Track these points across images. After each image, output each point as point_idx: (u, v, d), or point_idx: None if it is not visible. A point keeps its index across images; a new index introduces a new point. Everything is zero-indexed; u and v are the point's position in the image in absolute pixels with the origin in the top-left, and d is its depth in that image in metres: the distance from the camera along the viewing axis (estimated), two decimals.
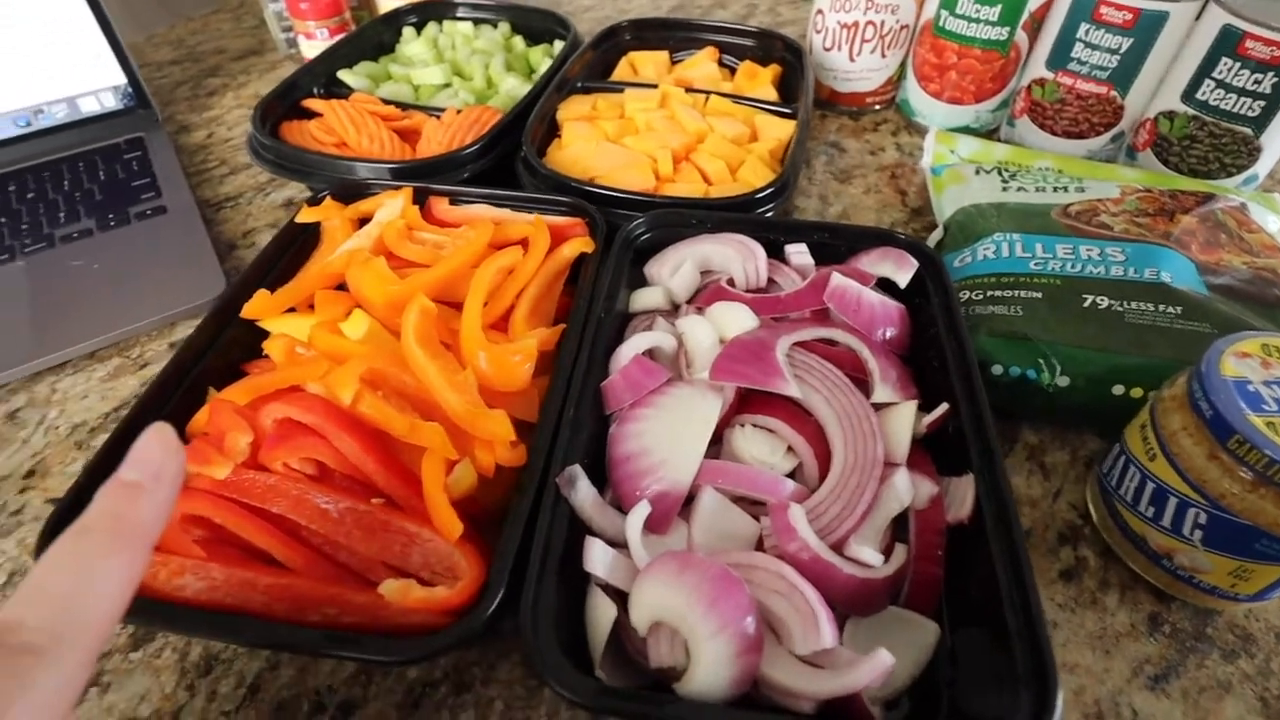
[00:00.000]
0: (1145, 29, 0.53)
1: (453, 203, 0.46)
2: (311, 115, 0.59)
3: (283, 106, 0.58)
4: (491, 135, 0.52)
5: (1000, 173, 0.54)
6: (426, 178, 0.50)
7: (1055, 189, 0.51)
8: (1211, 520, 0.32)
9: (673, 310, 0.43)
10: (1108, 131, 0.60)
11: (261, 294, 0.38)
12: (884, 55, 0.66)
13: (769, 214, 0.48)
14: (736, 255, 0.42)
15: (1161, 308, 0.41)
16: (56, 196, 0.57)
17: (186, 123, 0.69)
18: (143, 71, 0.74)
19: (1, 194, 0.57)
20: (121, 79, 0.64)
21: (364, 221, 0.46)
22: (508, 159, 0.53)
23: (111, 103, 0.64)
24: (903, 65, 0.68)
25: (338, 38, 0.73)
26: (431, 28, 0.70)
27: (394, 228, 0.42)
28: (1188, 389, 0.33)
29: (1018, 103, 0.63)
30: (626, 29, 0.68)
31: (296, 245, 0.43)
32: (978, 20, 0.59)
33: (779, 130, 0.57)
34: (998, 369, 0.41)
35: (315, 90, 0.61)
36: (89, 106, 0.64)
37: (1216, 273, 0.43)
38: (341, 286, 0.40)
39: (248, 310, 0.37)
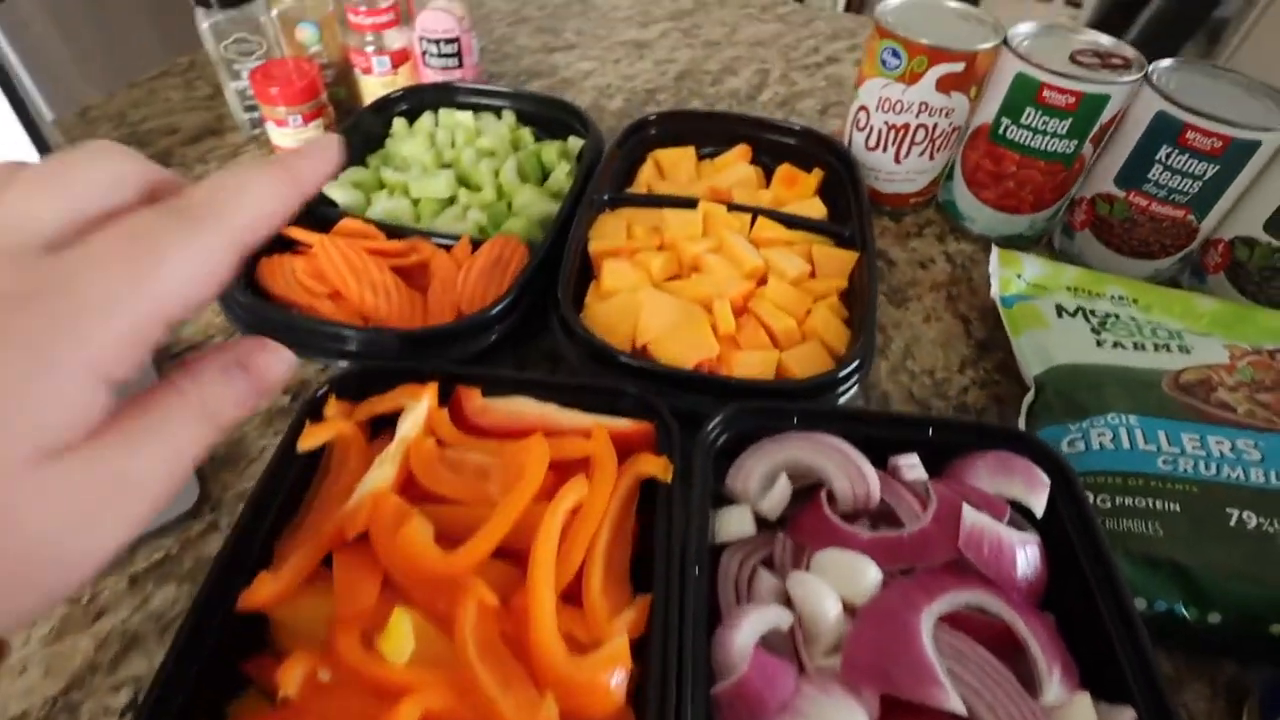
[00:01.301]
0: (1234, 156, 0.49)
1: (486, 392, 0.38)
2: (288, 244, 0.50)
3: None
4: (521, 284, 0.44)
5: (1085, 315, 0.49)
6: (448, 346, 0.42)
7: (1156, 346, 0.46)
8: None
9: (765, 535, 0.36)
10: (1179, 253, 0.55)
11: (263, 579, 0.29)
12: (932, 158, 0.60)
13: (856, 387, 0.42)
14: (839, 470, 0.36)
15: None
16: None
17: None
18: None
19: None
20: None
21: (377, 423, 0.38)
22: (538, 306, 0.46)
23: None
24: (950, 164, 0.62)
25: (313, 124, 0.64)
26: (426, 119, 0.61)
27: (422, 452, 0.34)
28: None
29: (1078, 214, 0.58)
30: (653, 123, 0.60)
31: (295, 468, 0.35)
32: (1044, 132, 0.54)
33: (839, 263, 0.50)
34: (1140, 603, 0.35)
35: None
36: None
37: None
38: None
39: (246, 601, 0.29)
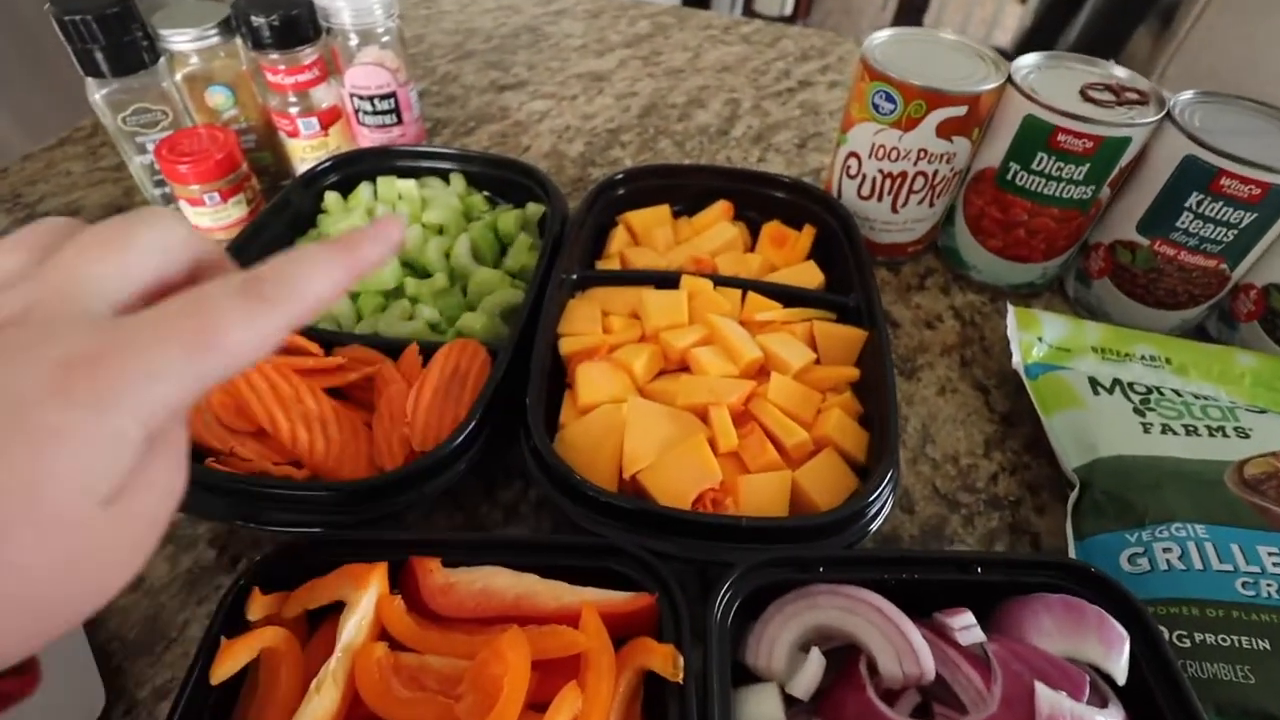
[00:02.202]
0: (1273, 203, 0.44)
1: (446, 562, 0.32)
2: None
3: None
4: (484, 406, 0.37)
5: (1125, 393, 0.44)
6: (403, 493, 0.35)
7: (1210, 430, 0.41)
8: None
9: (797, 715, 0.30)
10: (1207, 302, 0.50)
11: None
12: (932, 205, 0.54)
13: (884, 512, 0.36)
14: (883, 641, 0.30)
15: None
16: None
17: None
18: None
19: None
20: None
21: (314, 619, 0.31)
22: (504, 423, 0.39)
23: None
24: (950, 209, 0.57)
25: (233, 200, 0.56)
26: (364, 190, 0.54)
27: (371, 667, 0.27)
28: None
29: (1095, 261, 0.53)
30: (621, 183, 0.53)
31: (211, 698, 0.28)
32: (1059, 179, 0.49)
33: (846, 345, 0.44)
34: None
35: None
36: None
37: None
38: None
39: None
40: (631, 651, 0.29)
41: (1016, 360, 0.47)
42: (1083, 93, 0.49)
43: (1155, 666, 0.30)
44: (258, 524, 0.34)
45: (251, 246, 0.48)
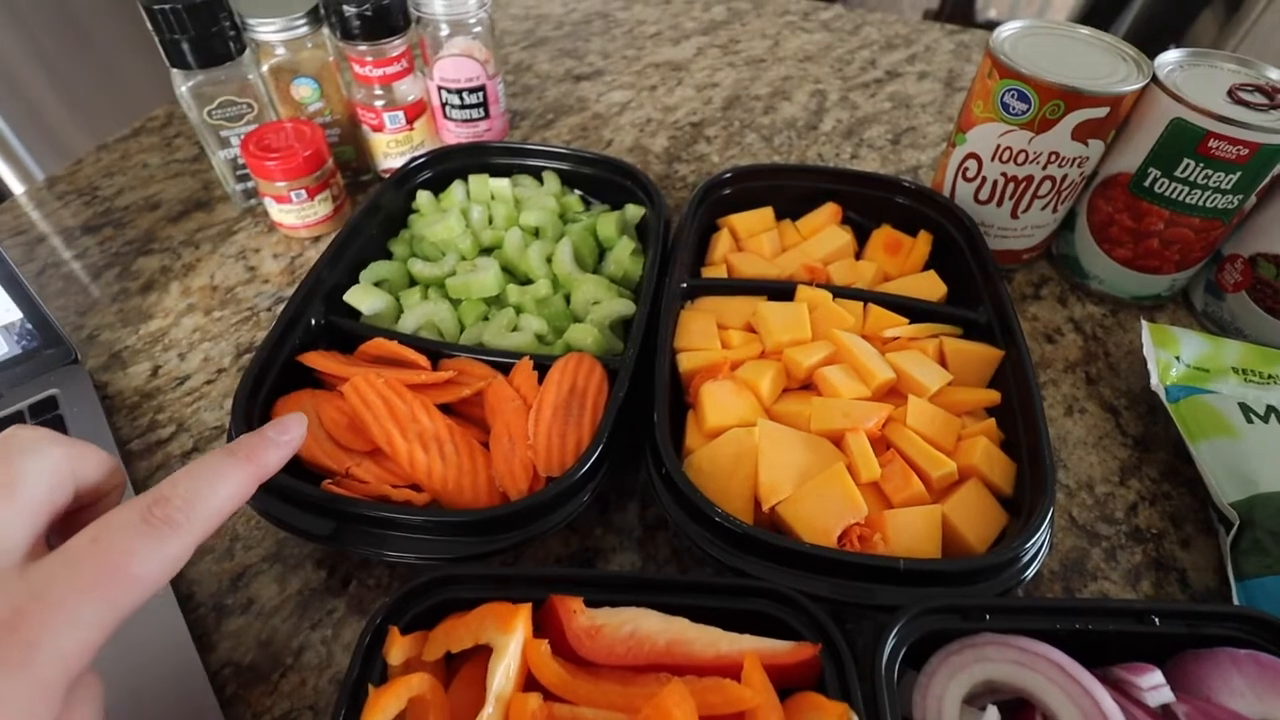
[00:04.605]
0: None
1: (587, 601, 0.30)
2: (307, 373, 0.41)
3: (273, 371, 0.39)
4: (609, 428, 0.35)
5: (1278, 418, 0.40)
6: (526, 527, 0.33)
7: None
8: None
9: None
10: None
11: None
12: (1055, 210, 0.51)
13: (1043, 553, 0.33)
14: (1067, 702, 0.27)
15: None
16: None
17: (117, 347, 0.49)
18: (45, 254, 0.54)
19: None
20: (15, 314, 0.44)
21: (452, 659, 0.29)
22: (632, 446, 0.37)
23: (3, 348, 0.45)
24: (1071, 214, 0.53)
25: (320, 197, 0.54)
26: (457, 190, 0.52)
27: (524, 711, 0.26)
28: None
29: (1230, 273, 0.50)
30: (728, 181, 0.51)
31: None
32: (1205, 187, 0.45)
33: (980, 364, 0.42)
34: None
35: (314, 321, 0.42)
36: None
37: None
38: None
39: None
40: (799, 707, 0.27)
41: (1155, 381, 0.44)
42: (1232, 94, 0.45)
43: None
44: (382, 556, 0.33)
45: (347, 251, 0.46)
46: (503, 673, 0.27)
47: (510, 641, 0.28)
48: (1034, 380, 0.39)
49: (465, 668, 0.30)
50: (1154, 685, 0.28)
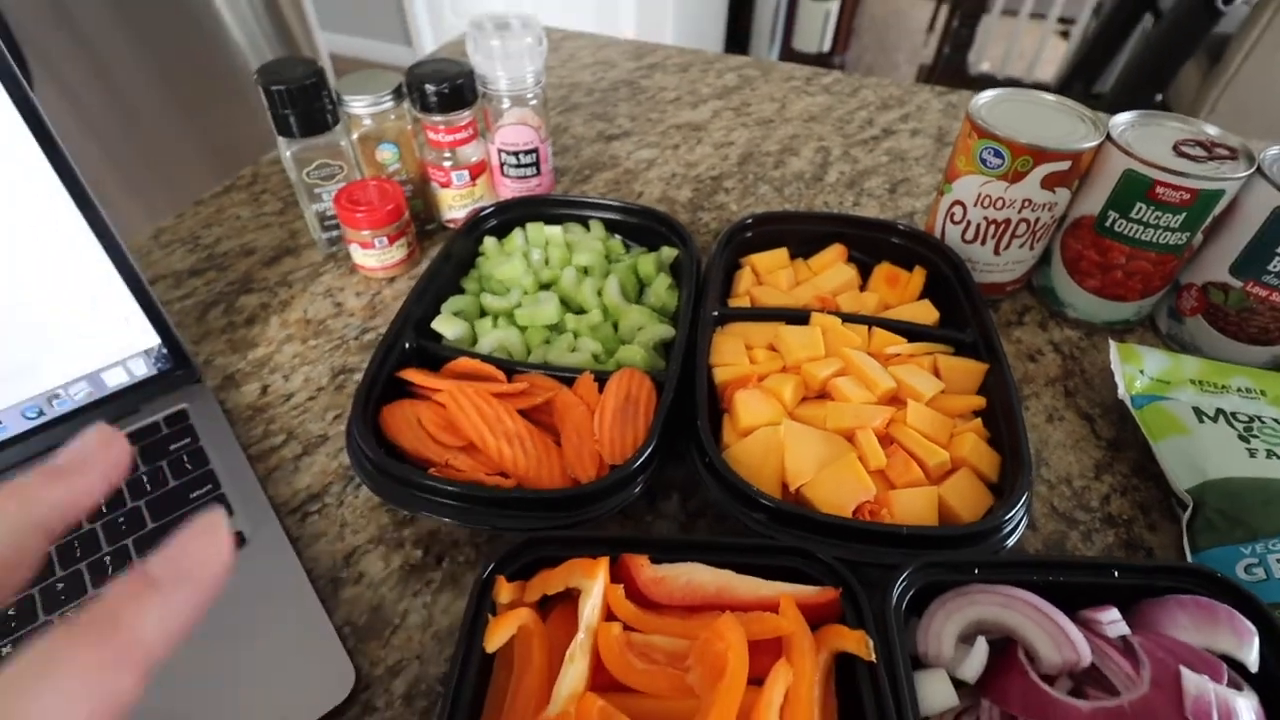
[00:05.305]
0: None
1: (656, 559, 0.37)
2: (403, 385, 0.49)
3: (379, 385, 0.47)
4: (659, 427, 0.43)
5: (1229, 422, 0.48)
6: (598, 503, 0.41)
7: None
8: None
9: (962, 698, 0.34)
10: None
11: None
12: (1032, 248, 0.59)
13: (1023, 525, 0.40)
14: (1040, 632, 0.34)
15: None
16: (93, 525, 0.45)
17: (230, 370, 0.58)
18: (162, 292, 0.63)
19: None
20: (154, 340, 0.53)
21: (544, 605, 0.36)
22: (674, 443, 0.45)
23: (143, 369, 0.53)
24: (1047, 251, 0.61)
25: (397, 244, 0.63)
26: (517, 236, 0.61)
27: (612, 643, 0.33)
28: None
29: (1187, 300, 0.58)
30: (749, 226, 0.59)
31: (476, 667, 0.33)
32: (1155, 226, 0.53)
33: (968, 376, 0.49)
34: None
35: (406, 345, 0.51)
36: (115, 379, 0.52)
37: None
38: None
39: None
40: (826, 636, 0.34)
41: (1122, 391, 0.52)
42: (1176, 148, 0.54)
43: (1276, 655, 0.34)
44: (479, 523, 0.40)
45: (429, 289, 0.55)
46: (590, 607, 0.34)
47: (594, 585, 0.35)
48: (1014, 388, 0.47)
49: (555, 611, 0.37)
50: (1112, 620, 0.35)
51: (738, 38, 3.14)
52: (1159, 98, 2.51)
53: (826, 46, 3.13)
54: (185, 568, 0.17)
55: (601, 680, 0.33)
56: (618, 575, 0.37)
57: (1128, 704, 0.32)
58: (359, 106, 0.62)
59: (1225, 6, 2.18)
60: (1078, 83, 2.77)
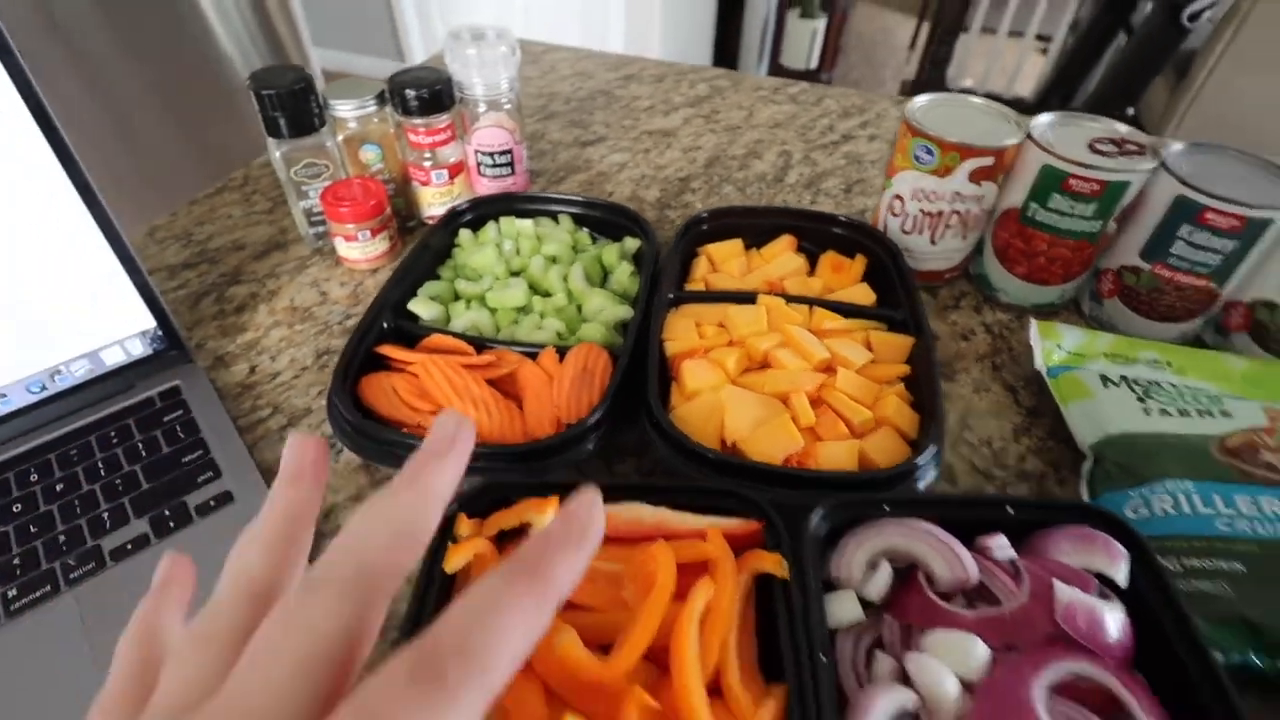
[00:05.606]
0: (1251, 233, 0.53)
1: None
2: (381, 360, 0.53)
3: (358, 359, 0.52)
4: (613, 391, 0.48)
5: (1128, 385, 0.53)
6: (554, 457, 0.45)
7: (1199, 412, 0.50)
8: None
9: (871, 617, 0.39)
10: (1202, 315, 0.60)
11: None
12: (965, 238, 0.65)
13: (933, 472, 0.45)
14: (935, 555, 0.39)
15: None
16: (93, 486, 0.49)
17: (220, 352, 0.62)
18: (157, 283, 0.67)
19: (23, 487, 0.49)
20: (150, 322, 0.57)
21: (500, 536, 0.41)
22: (627, 409, 0.49)
23: (139, 349, 0.57)
24: (980, 241, 0.67)
25: (379, 237, 0.68)
26: (490, 229, 0.66)
27: None
28: None
29: (1105, 283, 0.63)
30: (706, 219, 0.65)
31: (438, 590, 0.38)
32: (1070, 215, 0.59)
33: (897, 349, 0.54)
34: (1219, 657, 0.38)
35: (385, 325, 0.55)
36: (113, 357, 0.56)
37: None
38: None
39: None
40: (747, 558, 0.39)
41: (1039, 363, 0.57)
42: (1090, 145, 0.59)
43: (1149, 578, 0.38)
44: None
45: (407, 276, 0.60)
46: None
47: (545, 518, 0.40)
48: (934, 355, 0.52)
49: (510, 545, 0.41)
50: (1001, 546, 0.40)
51: (726, 55, 3.22)
52: (1130, 111, 2.60)
53: (814, 64, 3.21)
54: (584, 527, 0.19)
55: None
56: None
57: (1008, 612, 0.37)
58: (344, 110, 0.67)
59: (1191, 24, 2.27)
60: (1055, 97, 2.86)
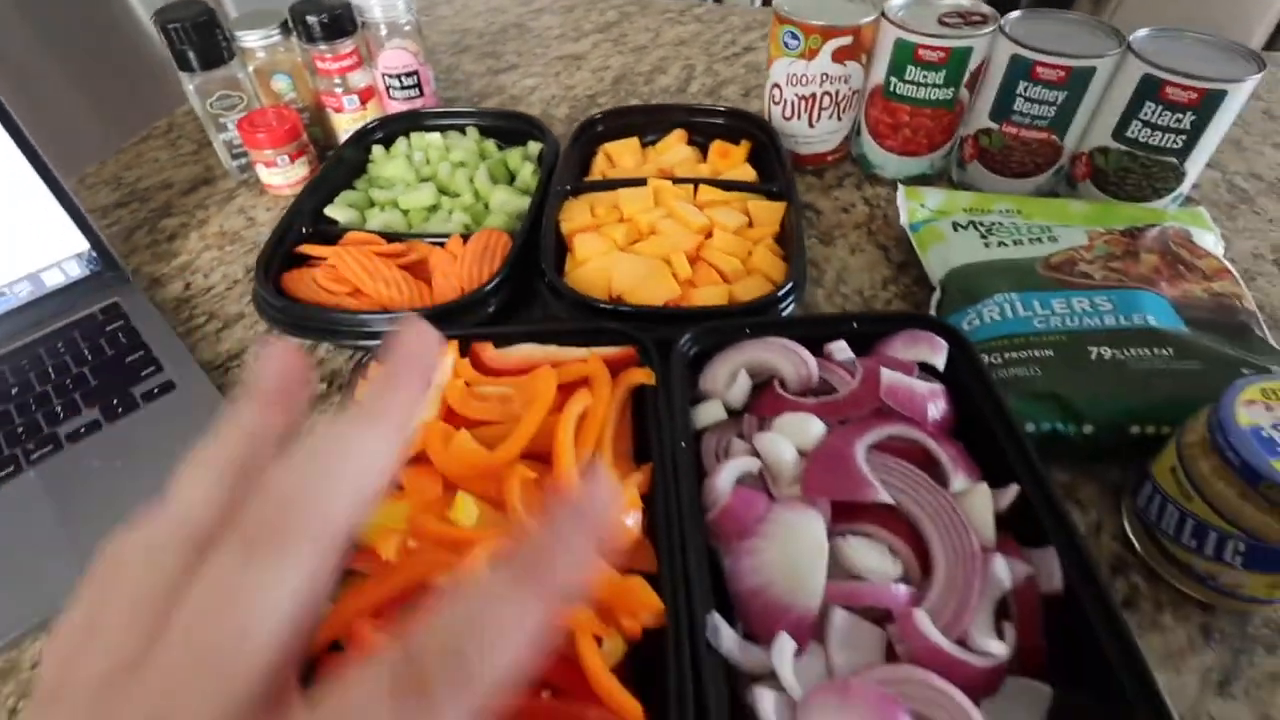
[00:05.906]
0: (1076, 82, 0.60)
1: (497, 345, 0.47)
2: (304, 260, 0.58)
3: (279, 257, 0.57)
4: (510, 263, 0.53)
5: (975, 226, 0.59)
6: (456, 319, 0.51)
7: (1031, 240, 0.56)
8: (1250, 548, 0.37)
9: (734, 419, 0.45)
10: (1051, 168, 0.66)
11: None
12: (839, 119, 0.70)
13: (793, 304, 0.51)
14: (785, 361, 0.45)
15: (1156, 351, 0.46)
16: (45, 388, 0.54)
17: (156, 274, 0.66)
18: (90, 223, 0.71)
19: None
20: (84, 244, 0.61)
21: None
22: (526, 282, 0.55)
23: (76, 271, 0.61)
24: (856, 122, 0.72)
25: (299, 162, 0.72)
26: (401, 144, 0.70)
27: (455, 390, 0.43)
28: (1210, 438, 0.38)
29: (966, 149, 0.69)
30: (600, 120, 0.69)
31: None
32: (925, 84, 0.64)
33: (771, 213, 0.60)
34: (1030, 427, 0.45)
35: (304, 230, 0.60)
36: (53, 279, 0.60)
37: (1188, 306, 0.49)
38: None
39: None
40: (624, 377, 0.45)
41: (904, 220, 0.63)
42: (939, 20, 0.65)
43: (968, 366, 0.45)
44: (363, 339, 0.50)
45: (322, 186, 0.64)
46: (441, 372, 0.44)
47: (445, 360, 0.45)
48: (799, 215, 0.58)
49: None
50: (840, 349, 0.46)
51: None
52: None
53: None
54: (596, 531, 0.17)
55: (451, 424, 0.43)
56: (471, 358, 0.47)
57: (842, 397, 0.43)
58: (251, 40, 0.70)
59: None
60: None
